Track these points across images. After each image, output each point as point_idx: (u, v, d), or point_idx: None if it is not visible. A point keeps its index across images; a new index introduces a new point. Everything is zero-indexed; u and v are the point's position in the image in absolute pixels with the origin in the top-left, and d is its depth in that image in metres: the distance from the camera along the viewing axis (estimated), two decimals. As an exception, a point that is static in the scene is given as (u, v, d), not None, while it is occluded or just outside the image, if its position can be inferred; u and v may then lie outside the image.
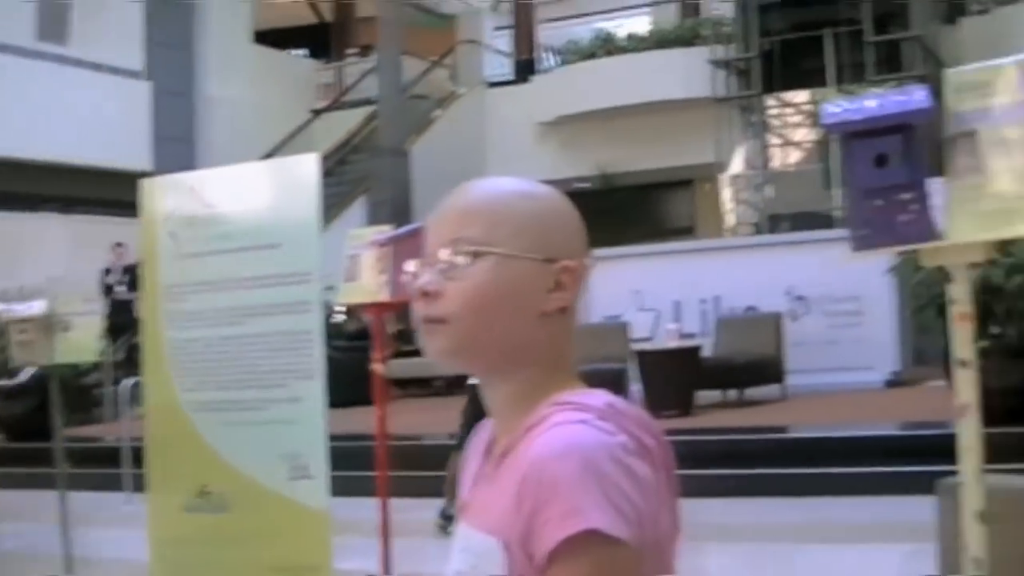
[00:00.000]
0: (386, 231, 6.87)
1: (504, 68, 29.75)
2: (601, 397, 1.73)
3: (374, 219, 20.74)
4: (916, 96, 3.23)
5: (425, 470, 10.65)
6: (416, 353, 13.20)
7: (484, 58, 29.38)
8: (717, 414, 14.04)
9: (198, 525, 6.40)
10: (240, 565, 6.25)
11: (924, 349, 15.30)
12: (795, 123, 25.24)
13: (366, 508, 7.13)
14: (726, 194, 24.66)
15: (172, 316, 6.57)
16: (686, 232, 25.72)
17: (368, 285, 6.63)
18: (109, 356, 15.88)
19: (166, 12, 24.54)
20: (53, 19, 22.14)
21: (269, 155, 19.76)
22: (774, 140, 24.50)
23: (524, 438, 1.68)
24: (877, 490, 10.06)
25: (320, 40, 31.78)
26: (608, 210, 22.85)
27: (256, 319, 6.26)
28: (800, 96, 24.48)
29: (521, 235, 1.75)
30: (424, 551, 7.94)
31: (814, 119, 22.80)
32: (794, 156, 25.28)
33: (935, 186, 3.30)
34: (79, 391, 15.92)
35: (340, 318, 17.21)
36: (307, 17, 32.08)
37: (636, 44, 25.02)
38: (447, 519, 9.17)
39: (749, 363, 14.64)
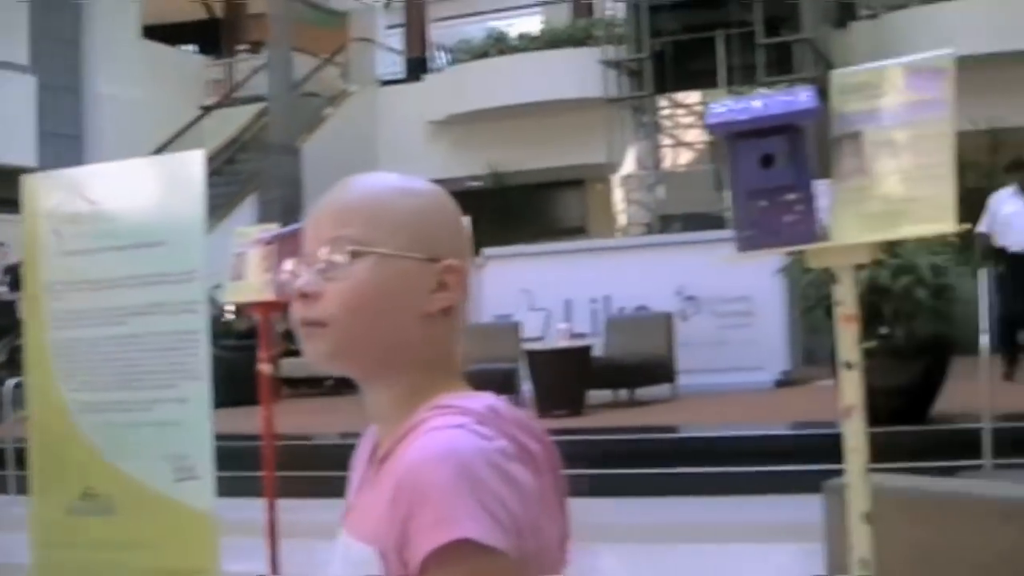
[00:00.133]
0: (272, 229, 6.81)
1: (396, 66, 29.65)
2: (482, 400, 1.69)
3: (264, 217, 20.59)
4: (802, 97, 3.23)
5: (315, 470, 10.56)
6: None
7: (376, 56, 29.25)
8: (607, 414, 14.06)
9: (83, 528, 6.30)
10: (125, 568, 6.16)
11: (814, 349, 15.48)
12: (687, 124, 25.31)
13: (254, 509, 7.05)
14: (618, 194, 24.71)
15: (55, 316, 6.47)
16: (578, 232, 25.80)
17: (254, 284, 6.56)
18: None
19: (52, 6, 24.15)
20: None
21: (158, 151, 19.56)
22: (666, 141, 24.56)
23: (402, 442, 1.65)
24: (766, 490, 10.12)
25: (210, 36, 31.50)
26: (500, 209, 22.88)
27: (141, 318, 6.18)
28: (692, 97, 24.56)
29: (402, 233, 1.71)
30: (313, 552, 7.86)
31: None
32: (686, 157, 25.35)
33: (821, 187, 3.31)
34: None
35: (230, 317, 17.07)
36: (197, 12, 31.78)
37: (528, 44, 25.04)
38: None
39: (639, 363, 14.69)
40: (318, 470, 10.42)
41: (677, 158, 25.04)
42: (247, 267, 6.66)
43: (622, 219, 24.38)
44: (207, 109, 27.17)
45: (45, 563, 6.44)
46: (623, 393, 15.07)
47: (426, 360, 1.74)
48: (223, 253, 6.74)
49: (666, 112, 24.34)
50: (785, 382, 15.62)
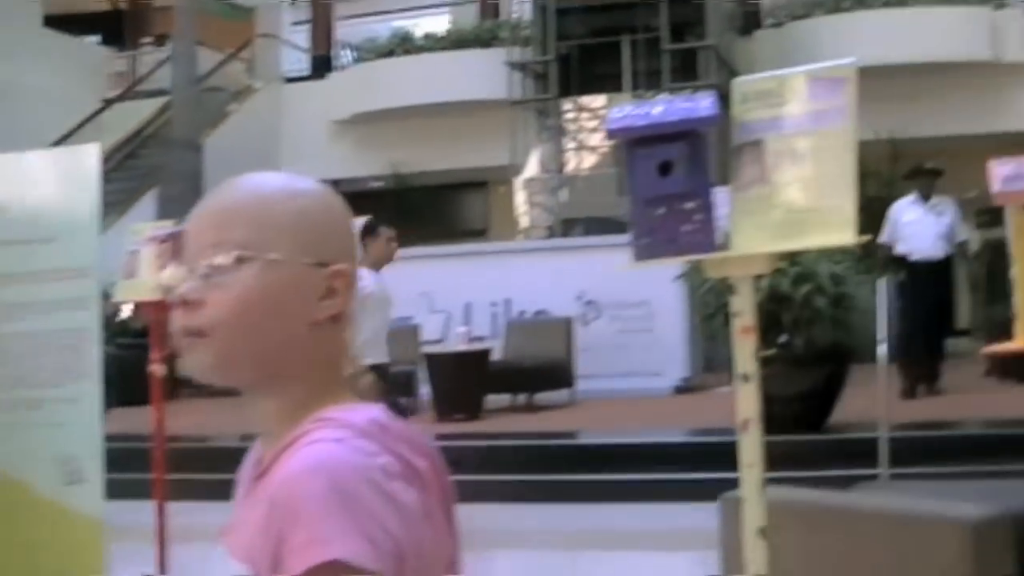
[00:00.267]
0: (167, 226, 6.71)
1: (302, 64, 29.46)
2: (365, 413, 1.62)
3: (164, 214, 20.26)
4: (702, 103, 3.20)
5: (209, 472, 10.42)
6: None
7: (281, 53, 29.04)
8: (506, 418, 14.04)
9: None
10: (11, 575, 6.03)
11: (713, 356, 15.50)
12: (591, 128, 25.30)
13: (145, 512, 6.94)
14: (520, 197, 24.68)
15: (-58, 311, 6.32)
16: (479, 234, 25.75)
17: (147, 282, 6.46)
18: None
19: (-53, -9, 23.77)
20: None
21: (57, 144, 19.22)
22: (570, 144, 24.55)
23: (281, 456, 1.58)
24: (664, 497, 10.12)
25: (114, 27, 31.09)
26: (401, 210, 22.74)
27: (30, 316, 6.05)
28: (597, 101, 24.58)
29: (289, 237, 1.63)
30: (205, 556, 7.76)
31: (609, 124, 22.92)
32: (589, 161, 25.36)
33: (721, 196, 3.27)
34: None
35: (126, 315, 16.83)
36: (102, 3, 31.35)
37: (433, 44, 24.97)
38: None
39: (539, 367, 14.67)
40: (214, 472, 10.29)
41: (581, 162, 25.05)
42: (140, 265, 6.56)
43: (524, 222, 24.35)
44: (109, 102, 26.77)
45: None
46: (522, 397, 15.04)
47: (313, 371, 1.67)
48: (121, 250, 6.64)
49: (571, 115, 24.33)
50: (684, 388, 15.67)
